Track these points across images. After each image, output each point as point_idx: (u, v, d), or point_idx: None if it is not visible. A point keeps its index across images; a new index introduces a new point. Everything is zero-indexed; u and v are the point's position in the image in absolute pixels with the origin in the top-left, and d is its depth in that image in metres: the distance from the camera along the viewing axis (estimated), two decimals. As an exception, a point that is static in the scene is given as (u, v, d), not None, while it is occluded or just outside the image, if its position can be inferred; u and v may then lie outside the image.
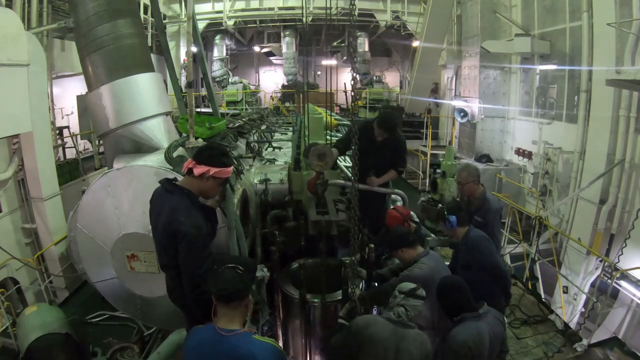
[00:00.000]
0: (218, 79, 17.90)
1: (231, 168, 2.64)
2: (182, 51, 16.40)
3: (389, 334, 2.46)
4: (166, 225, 2.39)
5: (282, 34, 18.22)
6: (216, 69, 17.99)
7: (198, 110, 13.80)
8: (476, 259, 3.29)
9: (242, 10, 16.33)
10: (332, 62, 18.05)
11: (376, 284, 3.55)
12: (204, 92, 16.64)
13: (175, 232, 2.36)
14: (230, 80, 17.88)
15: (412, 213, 4.13)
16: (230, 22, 16.25)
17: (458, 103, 12.23)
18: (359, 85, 2.88)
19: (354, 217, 2.83)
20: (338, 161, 5.17)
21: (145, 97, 3.84)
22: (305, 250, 3.81)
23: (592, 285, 6.77)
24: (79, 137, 10.03)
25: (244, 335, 2.07)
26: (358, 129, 4.35)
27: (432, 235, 4.89)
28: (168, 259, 2.49)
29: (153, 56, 8.50)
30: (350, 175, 5.03)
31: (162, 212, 2.45)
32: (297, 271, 3.52)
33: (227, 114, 11.47)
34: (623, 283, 5.90)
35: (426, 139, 13.39)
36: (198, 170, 2.48)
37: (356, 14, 2.80)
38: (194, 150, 3.14)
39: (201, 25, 15.62)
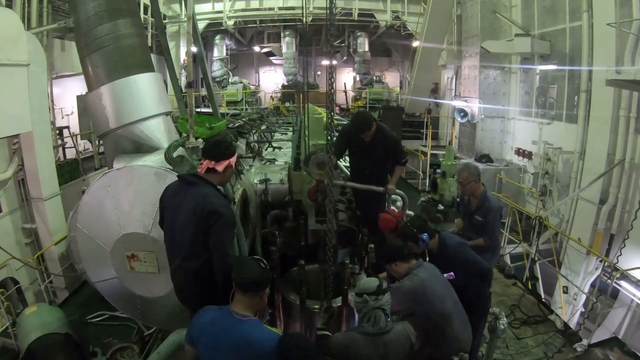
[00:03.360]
0: (218, 79, 17.87)
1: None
2: (182, 51, 16.37)
3: (371, 349, 2.43)
4: (198, 210, 2.44)
5: (282, 34, 18.21)
6: (216, 69, 17.96)
7: (198, 110, 13.80)
8: (460, 267, 3.31)
9: (242, 10, 16.31)
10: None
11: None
12: (204, 92, 16.62)
13: (210, 212, 2.42)
14: (230, 80, 17.86)
15: (409, 212, 4.11)
16: (230, 22, 16.23)
17: (458, 103, 12.22)
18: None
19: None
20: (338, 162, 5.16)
21: (145, 97, 3.84)
22: (305, 251, 3.80)
23: (592, 285, 6.77)
24: (79, 137, 10.03)
25: (256, 322, 2.23)
26: (345, 132, 4.34)
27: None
28: (190, 249, 2.48)
29: (153, 56, 8.50)
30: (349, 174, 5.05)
31: (186, 201, 2.50)
32: (298, 275, 3.51)
33: (227, 114, 11.46)
34: (623, 283, 5.91)
35: (426, 139, 13.38)
36: (221, 166, 2.60)
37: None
38: (194, 150, 3.15)
39: (201, 25, 15.60)
